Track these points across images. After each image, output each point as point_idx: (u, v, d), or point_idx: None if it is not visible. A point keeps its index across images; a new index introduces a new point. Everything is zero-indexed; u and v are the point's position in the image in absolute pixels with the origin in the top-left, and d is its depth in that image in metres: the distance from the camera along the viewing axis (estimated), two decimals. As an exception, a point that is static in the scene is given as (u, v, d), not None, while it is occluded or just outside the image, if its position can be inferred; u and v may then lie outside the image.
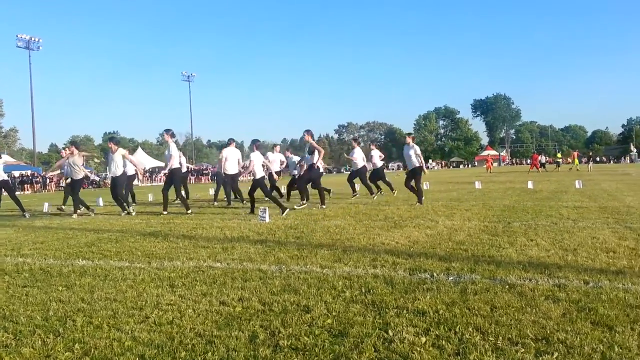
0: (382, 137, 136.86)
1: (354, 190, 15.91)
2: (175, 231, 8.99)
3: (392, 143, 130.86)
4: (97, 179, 51.42)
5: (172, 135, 13.15)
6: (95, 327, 3.69)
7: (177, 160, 12.79)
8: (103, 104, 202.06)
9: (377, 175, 16.39)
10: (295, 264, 5.67)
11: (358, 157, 15.79)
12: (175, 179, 12.77)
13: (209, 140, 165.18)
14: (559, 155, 49.45)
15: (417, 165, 12.86)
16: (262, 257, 6.14)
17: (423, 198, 12.71)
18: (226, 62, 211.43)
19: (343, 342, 3.22)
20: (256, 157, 12.28)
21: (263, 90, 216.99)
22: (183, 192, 14.39)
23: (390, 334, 3.33)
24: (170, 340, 3.36)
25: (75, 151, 13.69)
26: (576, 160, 45.04)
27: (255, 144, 12.61)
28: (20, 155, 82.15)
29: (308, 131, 13.58)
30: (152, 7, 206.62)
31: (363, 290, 4.40)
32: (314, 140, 13.50)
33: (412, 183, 12.94)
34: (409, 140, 13.25)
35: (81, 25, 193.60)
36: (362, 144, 15.10)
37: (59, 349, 3.28)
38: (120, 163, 13.07)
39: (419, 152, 12.93)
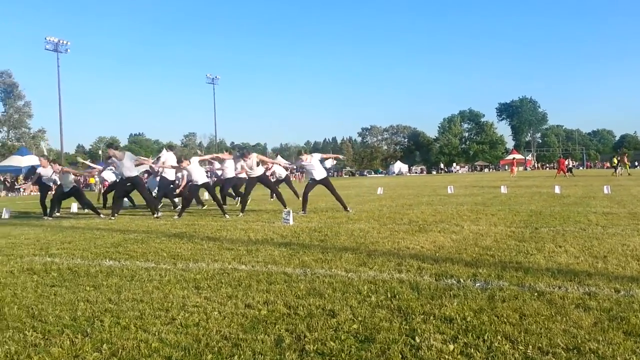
0: (405, 140, 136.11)
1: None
2: (200, 233, 9.05)
3: (415, 146, 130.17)
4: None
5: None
6: (123, 327, 3.73)
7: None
8: (129, 106, 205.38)
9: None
10: (320, 267, 5.66)
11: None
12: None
13: (232, 142, 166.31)
14: (615, 160, 43.34)
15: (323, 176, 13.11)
16: (287, 260, 6.14)
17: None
18: (250, 64, 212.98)
19: (370, 348, 3.19)
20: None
21: (286, 93, 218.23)
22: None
23: (418, 340, 3.29)
24: (196, 343, 3.37)
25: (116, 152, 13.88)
26: (627, 164, 41.27)
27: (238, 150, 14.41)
28: (47, 156, 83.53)
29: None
30: (178, 10, 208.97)
31: (389, 295, 4.37)
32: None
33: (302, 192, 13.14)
34: (306, 156, 13.21)
35: (108, 28, 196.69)
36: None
37: (87, 349, 3.31)
38: (130, 166, 13.15)
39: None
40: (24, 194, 43.12)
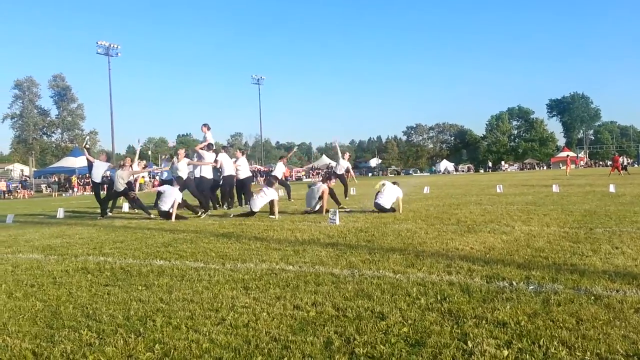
0: (452, 138, 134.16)
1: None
2: (247, 233, 9.13)
3: (462, 145, 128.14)
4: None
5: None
6: (174, 327, 3.79)
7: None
8: (176, 107, 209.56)
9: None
10: (368, 268, 5.62)
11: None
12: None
13: (278, 142, 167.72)
14: None
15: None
16: (334, 261, 6.13)
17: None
18: (294, 64, 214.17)
19: (420, 353, 3.14)
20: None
21: (331, 92, 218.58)
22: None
23: (470, 345, 3.22)
24: (246, 344, 3.39)
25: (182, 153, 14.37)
26: None
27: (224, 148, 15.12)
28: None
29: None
30: (224, 12, 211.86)
31: (439, 298, 4.30)
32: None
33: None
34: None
35: (156, 31, 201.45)
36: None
37: (140, 349, 3.38)
38: (184, 168, 13.58)
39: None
40: (78, 193, 44.53)
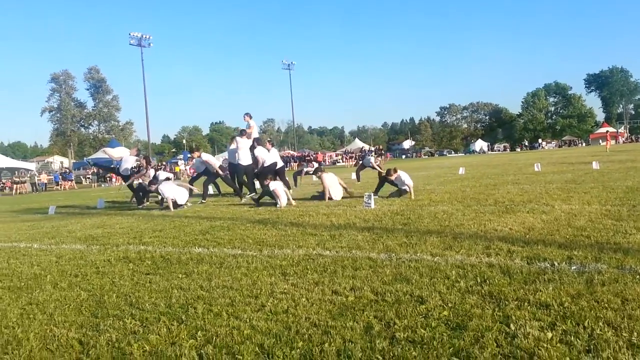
0: (487, 117, 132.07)
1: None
2: (283, 219, 9.18)
3: (497, 124, 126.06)
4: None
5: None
6: (215, 314, 3.84)
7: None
8: (209, 95, 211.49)
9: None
10: (405, 252, 5.59)
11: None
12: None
13: (310, 127, 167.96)
14: None
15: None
16: (371, 245, 6.12)
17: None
18: (325, 48, 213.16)
19: (462, 336, 3.12)
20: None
21: (362, 75, 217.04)
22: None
23: (513, 328, 3.18)
24: (287, 330, 3.42)
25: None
26: None
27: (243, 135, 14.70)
28: (136, 147, 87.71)
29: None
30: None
31: (478, 280, 4.25)
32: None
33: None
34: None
35: (185, 20, 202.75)
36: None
37: (183, 336, 3.44)
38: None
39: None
40: (116, 184, 45.42)
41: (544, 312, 3.44)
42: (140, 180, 14.77)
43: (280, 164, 15.73)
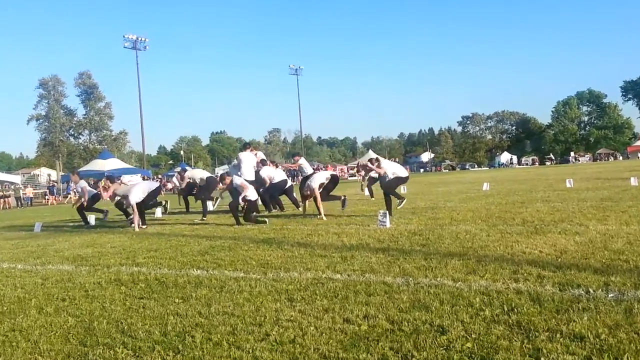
0: (513, 127, 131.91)
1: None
2: (290, 238, 9.19)
3: (524, 134, 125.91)
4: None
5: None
6: (215, 344, 3.83)
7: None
8: (209, 103, 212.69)
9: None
10: (424, 276, 5.57)
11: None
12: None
13: (319, 137, 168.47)
14: None
15: None
16: (386, 268, 6.10)
17: None
18: (335, 52, 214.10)
19: (487, 371, 3.09)
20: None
21: (378, 81, 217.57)
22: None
23: (543, 362, 3.15)
24: (293, 362, 3.40)
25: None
26: None
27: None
28: (129, 159, 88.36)
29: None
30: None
31: (505, 309, 4.22)
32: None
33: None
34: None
35: (184, 22, 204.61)
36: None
37: (180, 368, 3.43)
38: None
39: None
40: (107, 199, 45.60)
41: (578, 344, 3.40)
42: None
43: (288, 183, 15.92)
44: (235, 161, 15.16)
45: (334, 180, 13.40)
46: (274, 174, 15.04)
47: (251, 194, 12.23)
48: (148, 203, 13.79)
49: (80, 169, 56.83)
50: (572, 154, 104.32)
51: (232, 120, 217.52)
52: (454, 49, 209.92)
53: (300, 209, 15.05)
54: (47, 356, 3.84)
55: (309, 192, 12.51)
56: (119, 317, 4.74)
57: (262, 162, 15.49)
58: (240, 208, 12.62)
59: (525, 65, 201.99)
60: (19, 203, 45.28)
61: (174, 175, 23.12)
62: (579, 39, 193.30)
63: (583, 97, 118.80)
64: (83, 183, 16.01)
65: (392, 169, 12.26)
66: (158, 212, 17.02)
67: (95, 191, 16.10)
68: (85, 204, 15.65)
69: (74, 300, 5.53)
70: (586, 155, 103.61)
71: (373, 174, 18.33)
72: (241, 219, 12.18)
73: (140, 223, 12.84)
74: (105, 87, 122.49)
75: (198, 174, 16.78)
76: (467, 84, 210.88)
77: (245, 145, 15.68)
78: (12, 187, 51.51)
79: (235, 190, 12.93)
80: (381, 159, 12.08)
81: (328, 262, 6.67)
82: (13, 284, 6.73)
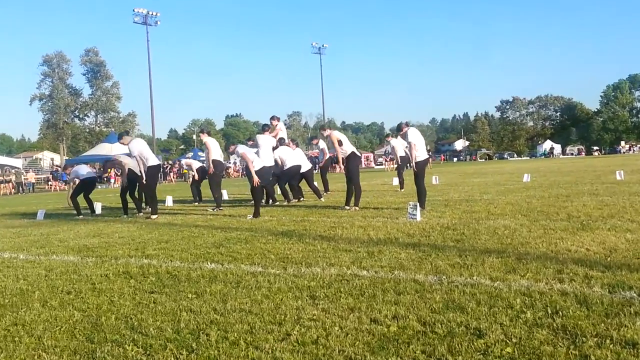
0: (558, 113, 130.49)
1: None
2: (311, 231, 9.20)
3: (570, 121, 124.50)
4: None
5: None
6: (231, 343, 3.85)
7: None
8: (224, 84, 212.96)
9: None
10: (458, 274, 5.54)
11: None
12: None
13: (343, 122, 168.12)
14: None
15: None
16: (417, 265, 6.08)
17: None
18: (362, 28, 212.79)
19: (529, 379, 3.07)
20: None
21: (408, 61, 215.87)
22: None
23: (592, 370, 3.12)
24: (316, 364, 3.41)
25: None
26: None
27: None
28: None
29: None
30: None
31: (549, 311, 4.19)
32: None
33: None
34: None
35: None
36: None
37: (194, 368, 3.46)
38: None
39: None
40: (115, 185, 46.09)
41: (630, 351, 3.36)
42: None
43: (306, 166, 15.86)
44: (250, 143, 15.02)
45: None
46: (287, 157, 14.92)
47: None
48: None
49: (86, 153, 57.62)
50: (622, 143, 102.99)
51: (248, 102, 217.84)
52: (491, 26, 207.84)
53: (323, 199, 15.08)
54: (52, 352, 3.89)
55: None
56: (128, 313, 4.79)
57: (280, 141, 15.43)
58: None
59: (571, 44, 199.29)
60: (20, 189, 45.89)
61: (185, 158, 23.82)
62: (633, 16, 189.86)
63: (636, 81, 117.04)
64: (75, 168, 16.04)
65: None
66: (169, 200, 17.18)
67: (93, 175, 15.95)
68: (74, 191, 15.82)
69: (80, 294, 5.60)
70: (638, 145, 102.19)
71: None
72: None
73: (151, 213, 12.95)
74: (113, 66, 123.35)
75: (194, 165, 17.24)
76: (507, 65, 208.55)
77: (264, 127, 15.57)
78: (13, 171, 52.12)
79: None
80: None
81: (353, 258, 6.67)
82: (15, 275, 6.84)
